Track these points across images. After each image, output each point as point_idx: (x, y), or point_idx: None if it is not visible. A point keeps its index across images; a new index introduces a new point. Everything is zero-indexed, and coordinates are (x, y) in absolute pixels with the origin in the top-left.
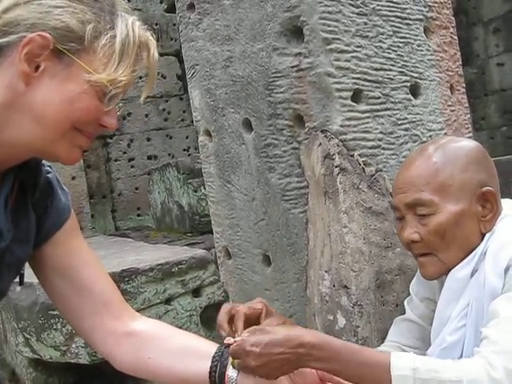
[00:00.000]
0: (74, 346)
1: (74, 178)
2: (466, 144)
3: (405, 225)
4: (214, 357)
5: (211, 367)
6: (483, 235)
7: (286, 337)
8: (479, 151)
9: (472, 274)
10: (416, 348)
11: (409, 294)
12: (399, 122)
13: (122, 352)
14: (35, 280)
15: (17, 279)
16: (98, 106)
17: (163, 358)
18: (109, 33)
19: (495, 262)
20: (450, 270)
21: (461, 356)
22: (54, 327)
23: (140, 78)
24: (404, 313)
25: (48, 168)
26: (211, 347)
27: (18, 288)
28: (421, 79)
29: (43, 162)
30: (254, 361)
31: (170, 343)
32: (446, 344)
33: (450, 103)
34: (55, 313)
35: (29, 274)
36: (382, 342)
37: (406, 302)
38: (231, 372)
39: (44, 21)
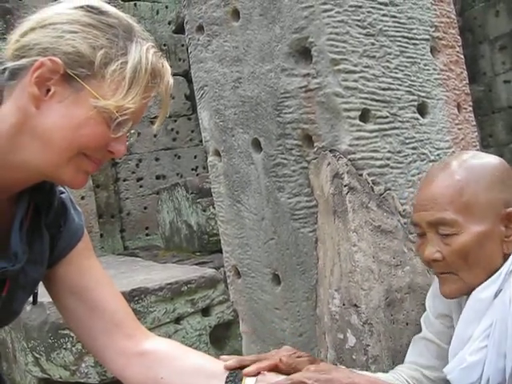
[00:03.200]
0: (83, 365)
1: (83, 198)
2: (491, 161)
3: (426, 242)
4: (228, 377)
5: None
6: (505, 255)
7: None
8: (504, 169)
9: (496, 295)
10: (434, 368)
11: (419, 312)
12: (407, 141)
13: (134, 372)
14: (45, 299)
15: (30, 298)
16: (105, 132)
17: (175, 378)
18: (120, 59)
19: None
20: (470, 290)
21: (480, 377)
22: (64, 346)
23: None
24: (415, 331)
25: (62, 188)
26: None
27: (28, 307)
28: (428, 98)
29: None
30: None
31: (183, 363)
32: (467, 364)
33: (457, 122)
34: (65, 332)
35: (39, 293)
36: (393, 361)
37: (422, 320)
38: None
39: (56, 45)
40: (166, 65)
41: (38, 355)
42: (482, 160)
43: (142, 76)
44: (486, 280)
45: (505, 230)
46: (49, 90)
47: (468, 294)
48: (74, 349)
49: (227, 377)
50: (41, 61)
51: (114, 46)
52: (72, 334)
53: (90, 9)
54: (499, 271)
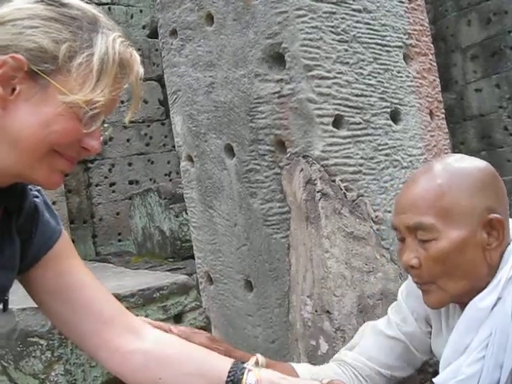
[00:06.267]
0: (53, 373)
1: (54, 203)
2: (476, 165)
3: (404, 248)
4: (228, 376)
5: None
6: (490, 265)
7: None
8: (489, 173)
9: (495, 304)
10: (397, 368)
11: None
12: (380, 148)
13: (131, 369)
14: (14, 306)
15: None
16: (76, 127)
17: (175, 381)
18: (86, 51)
19: None
20: (453, 299)
21: None
22: (33, 355)
23: (122, 102)
24: None
25: (36, 192)
26: (224, 364)
27: None
28: (401, 105)
29: (31, 186)
30: None
31: (183, 365)
32: (464, 376)
33: (429, 129)
34: (34, 340)
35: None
36: None
37: (391, 315)
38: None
39: (17, 42)
40: (135, 54)
41: (5, 364)
42: (466, 163)
43: (109, 67)
44: (470, 290)
45: (487, 237)
46: (14, 89)
47: (455, 303)
48: (43, 357)
49: (228, 376)
50: (2, 59)
51: (78, 39)
52: (41, 342)
53: (51, 2)
54: (497, 278)
